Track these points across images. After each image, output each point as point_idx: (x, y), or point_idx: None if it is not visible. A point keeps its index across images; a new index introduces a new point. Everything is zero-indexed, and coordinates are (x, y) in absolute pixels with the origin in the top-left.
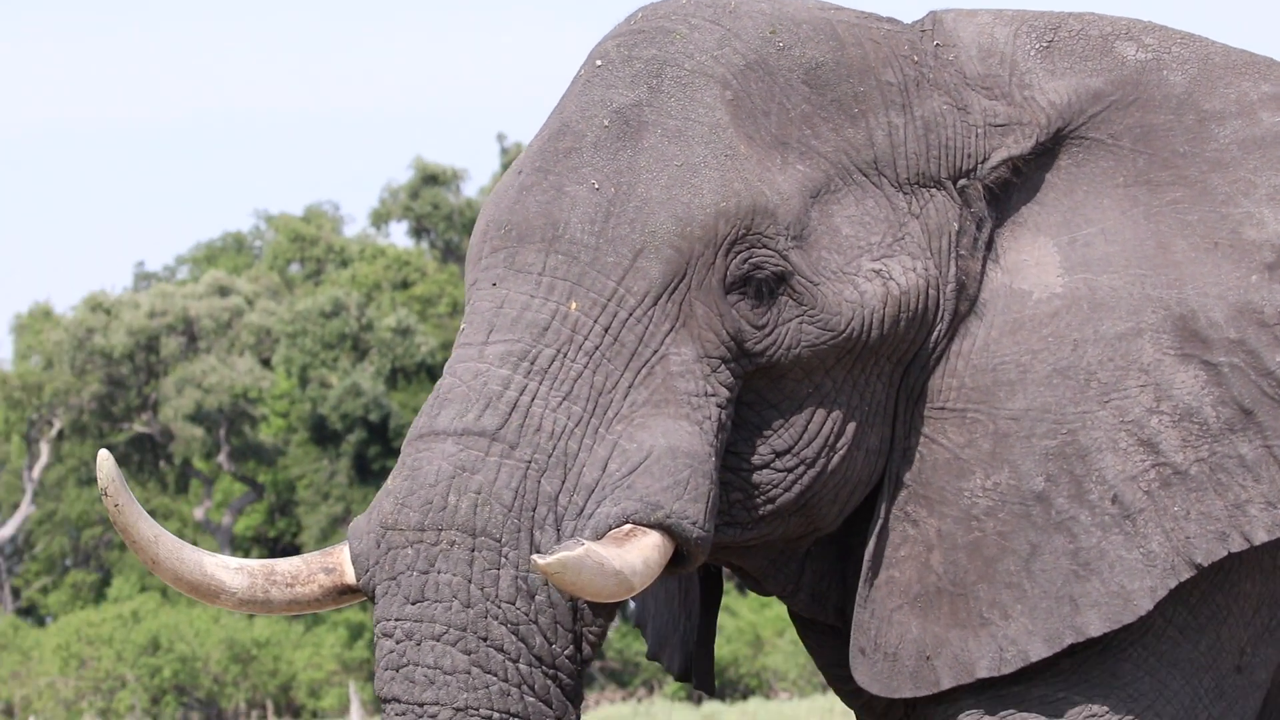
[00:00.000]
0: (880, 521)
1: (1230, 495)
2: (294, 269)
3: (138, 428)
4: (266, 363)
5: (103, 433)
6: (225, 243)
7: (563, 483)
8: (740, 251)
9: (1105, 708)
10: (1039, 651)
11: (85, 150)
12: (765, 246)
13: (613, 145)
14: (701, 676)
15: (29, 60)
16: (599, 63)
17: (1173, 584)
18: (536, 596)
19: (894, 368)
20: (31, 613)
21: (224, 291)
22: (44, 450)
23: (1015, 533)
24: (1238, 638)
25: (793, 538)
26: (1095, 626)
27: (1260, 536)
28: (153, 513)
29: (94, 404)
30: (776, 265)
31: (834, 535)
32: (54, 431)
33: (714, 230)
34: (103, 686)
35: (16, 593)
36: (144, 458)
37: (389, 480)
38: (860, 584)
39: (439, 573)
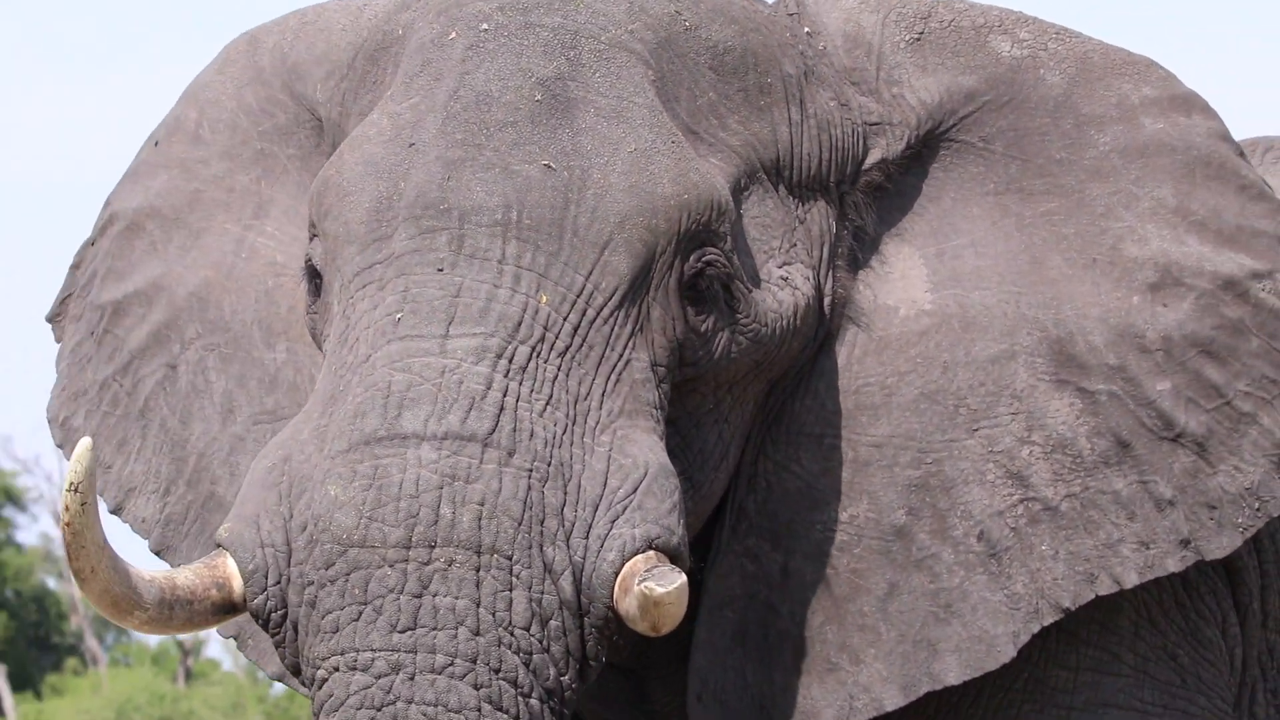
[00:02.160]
0: (720, 557)
1: (1101, 534)
2: None
3: None
4: None
5: None
6: None
7: (565, 495)
8: (694, 250)
9: None
10: (894, 700)
11: None
12: (716, 246)
13: (549, 122)
14: None
15: None
16: (484, 27)
17: (1035, 629)
18: (551, 622)
19: (765, 385)
20: None
21: None
22: None
23: (872, 570)
24: (1159, 645)
25: None
26: (954, 674)
27: (1131, 579)
28: None
29: None
30: (724, 266)
31: None
32: None
33: (677, 224)
34: None
35: None
36: None
37: (332, 488)
38: (697, 625)
39: (437, 595)
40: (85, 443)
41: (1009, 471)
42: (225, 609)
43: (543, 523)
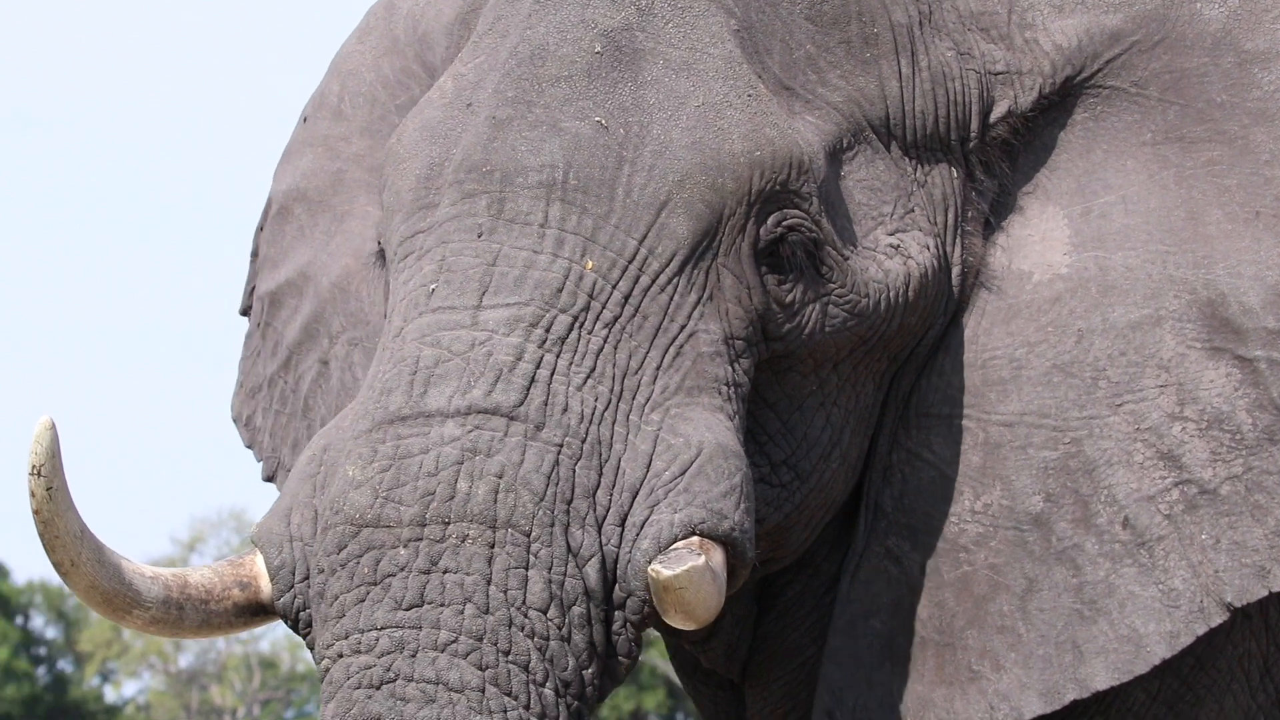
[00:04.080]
0: (860, 561)
1: (1270, 520)
2: None
3: None
4: None
5: None
6: None
7: (599, 476)
8: (772, 212)
9: None
10: (1033, 708)
11: None
12: (798, 208)
13: (609, 75)
14: None
15: None
16: None
17: (1200, 630)
18: (573, 608)
19: (889, 365)
20: None
21: None
22: None
23: (1009, 565)
24: (1244, 707)
25: None
26: (1102, 678)
27: None
28: None
29: None
30: (810, 231)
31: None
32: None
33: (748, 183)
34: None
35: None
36: None
37: (351, 469)
38: (831, 634)
39: (446, 572)
40: (44, 421)
41: (1159, 451)
42: (251, 610)
43: (570, 502)
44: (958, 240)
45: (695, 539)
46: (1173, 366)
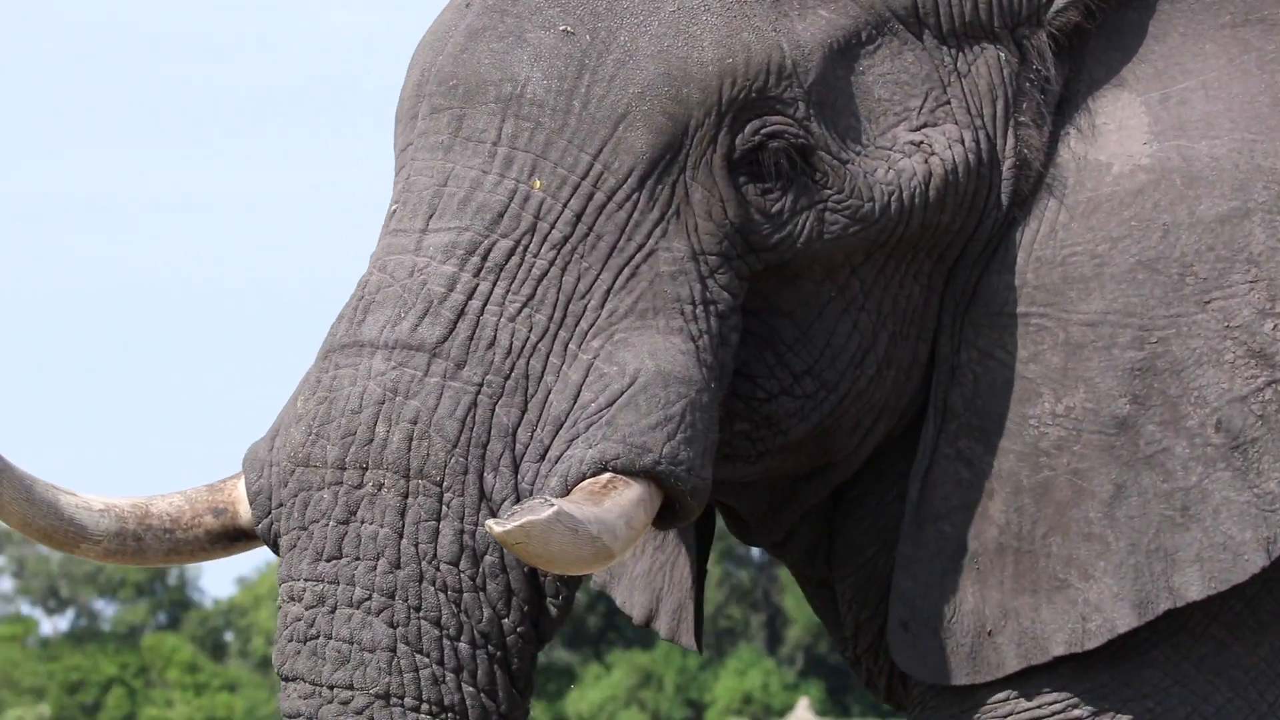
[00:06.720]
0: (926, 462)
1: None
2: None
3: None
4: None
5: None
6: None
7: (523, 413)
8: (749, 120)
9: None
10: (1127, 620)
11: None
12: (780, 113)
13: None
14: (692, 634)
15: None
16: None
17: None
18: (485, 557)
19: (935, 264)
20: None
21: None
22: None
23: (1095, 470)
24: None
25: (801, 474)
26: (1196, 588)
27: None
28: None
29: None
30: (795, 137)
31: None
32: None
33: (716, 93)
34: None
35: None
36: None
37: (299, 400)
38: (901, 541)
39: (361, 523)
40: None
41: (1250, 350)
42: (229, 536)
43: (485, 445)
44: (1009, 131)
45: (606, 476)
46: (1263, 261)
